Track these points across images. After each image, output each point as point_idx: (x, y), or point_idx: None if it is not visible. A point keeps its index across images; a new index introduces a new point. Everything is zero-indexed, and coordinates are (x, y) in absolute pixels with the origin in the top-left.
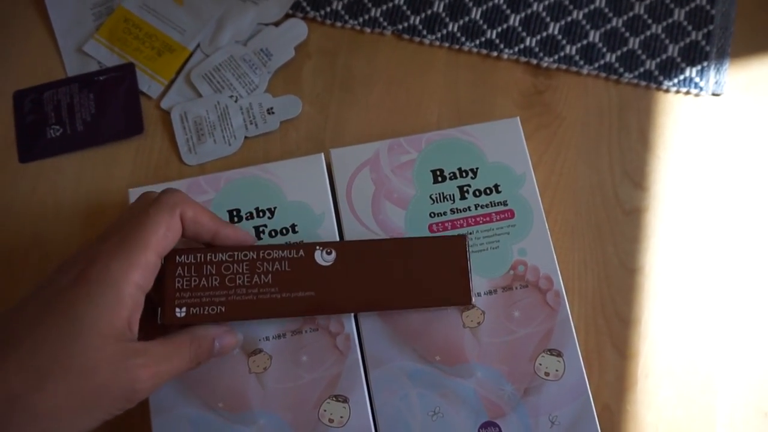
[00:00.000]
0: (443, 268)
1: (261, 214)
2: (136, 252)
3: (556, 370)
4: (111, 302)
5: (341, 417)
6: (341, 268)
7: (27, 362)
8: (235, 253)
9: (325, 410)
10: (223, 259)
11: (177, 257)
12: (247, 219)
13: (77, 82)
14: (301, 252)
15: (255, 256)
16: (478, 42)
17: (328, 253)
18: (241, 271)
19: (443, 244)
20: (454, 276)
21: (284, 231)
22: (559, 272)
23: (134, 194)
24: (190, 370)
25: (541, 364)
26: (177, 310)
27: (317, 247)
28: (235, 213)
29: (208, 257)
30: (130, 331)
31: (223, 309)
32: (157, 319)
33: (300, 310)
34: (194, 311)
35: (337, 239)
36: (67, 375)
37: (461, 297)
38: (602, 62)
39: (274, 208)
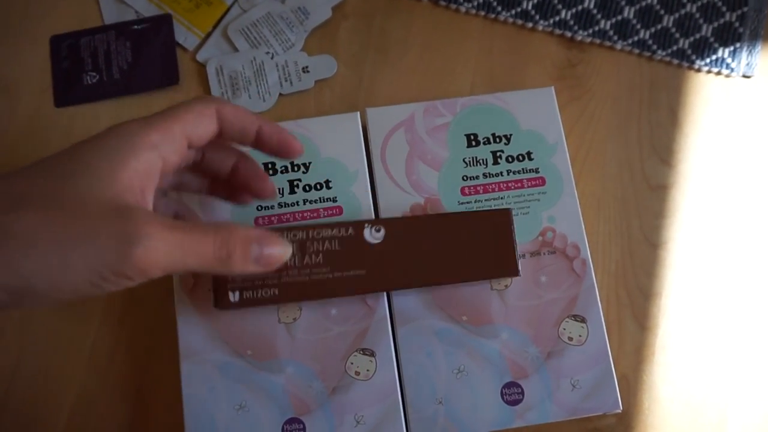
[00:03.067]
0: (489, 241)
1: (295, 168)
2: (159, 119)
3: (580, 336)
4: (121, 150)
5: (367, 370)
6: (390, 245)
7: (4, 189)
8: (286, 233)
9: (351, 363)
10: None
11: None
12: (281, 173)
13: (114, 29)
14: (351, 230)
15: (305, 236)
16: (513, 12)
17: (377, 231)
18: (292, 251)
19: (489, 217)
20: (501, 248)
21: (318, 186)
22: (586, 241)
23: None
24: (212, 272)
25: (565, 329)
26: (230, 294)
27: (366, 225)
28: (270, 166)
29: None
30: (143, 198)
31: (277, 291)
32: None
33: (352, 289)
34: (247, 295)
35: (370, 197)
36: (49, 206)
37: (509, 269)
38: (636, 38)
39: (309, 163)
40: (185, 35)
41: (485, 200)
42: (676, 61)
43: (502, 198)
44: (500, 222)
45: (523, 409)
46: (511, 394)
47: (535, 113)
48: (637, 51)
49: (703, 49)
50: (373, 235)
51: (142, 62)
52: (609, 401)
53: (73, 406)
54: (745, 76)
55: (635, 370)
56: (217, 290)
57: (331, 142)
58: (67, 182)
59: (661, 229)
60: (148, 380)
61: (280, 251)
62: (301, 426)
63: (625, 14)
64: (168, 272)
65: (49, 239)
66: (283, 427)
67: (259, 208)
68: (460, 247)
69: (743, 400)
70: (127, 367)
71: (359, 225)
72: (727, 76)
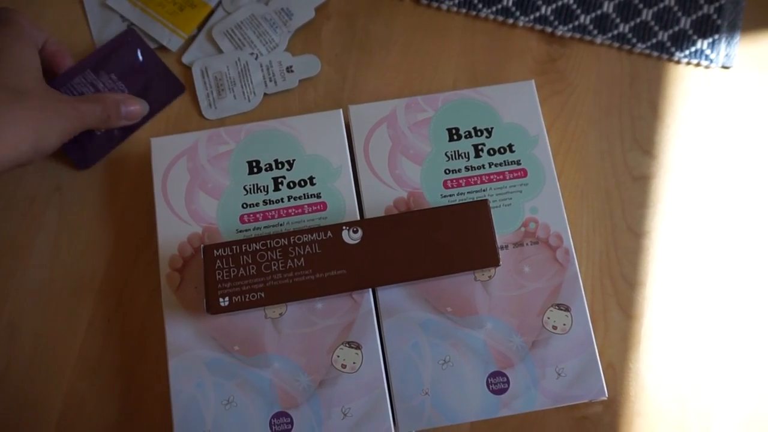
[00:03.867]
0: (468, 233)
1: (280, 165)
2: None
3: (564, 324)
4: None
5: (354, 363)
6: (369, 244)
7: None
8: (268, 241)
9: (338, 356)
10: (257, 248)
11: (215, 251)
12: (266, 170)
13: (88, 67)
14: (329, 233)
15: (287, 242)
16: (494, 9)
17: (355, 232)
18: (275, 257)
19: (466, 210)
20: (481, 239)
21: (302, 183)
22: (569, 230)
23: (156, 143)
24: (97, 128)
25: (549, 318)
26: (221, 300)
27: (343, 227)
28: (254, 164)
29: (243, 248)
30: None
31: (263, 294)
32: None
33: (334, 288)
34: (236, 299)
35: (354, 193)
36: None
37: (490, 259)
38: (615, 32)
39: (293, 160)
40: (169, 37)
41: (468, 193)
42: (655, 54)
43: (484, 190)
44: (478, 213)
45: (509, 398)
46: (497, 383)
47: (516, 106)
48: (617, 44)
49: (682, 41)
50: (351, 237)
51: (140, 89)
52: (594, 389)
53: (63, 404)
54: (724, 67)
55: (621, 359)
56: (209, 297)
57: (314, 140)
58: None
59: (644, 218)
60: (138, 378)
61: (139, 107)
62: (289, 420)
63: (605, 9)
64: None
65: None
66: (271, 421)
67: (245, 205)
68: (440, 241)
69: (729, 387)
70: (116, 366)
71: (337, 228)
72: (707, 67)
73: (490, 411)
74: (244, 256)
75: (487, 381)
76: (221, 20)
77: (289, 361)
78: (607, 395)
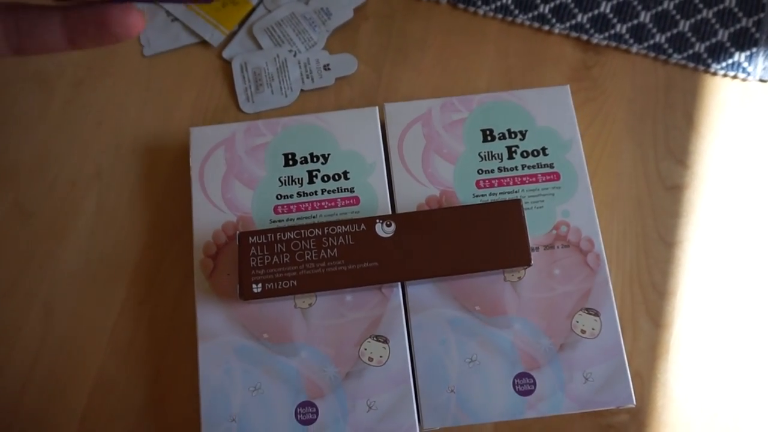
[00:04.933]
0: (501, 231)
1: (315, 159)
2: None
3: (593, 329)
4: None
5: (380, 356)
6: (401, 238)
7: None
8: (302, 231)
9: (365, 349)
10: (292, 237)
11: (250, 238)
12: (301, 163)
13: None
14: (363, 226)
15: (320, 233)
16: (530, 15)
17: (388, 225)
18: (308, 247)
19: (499, 209)
20: (513, 239)
21: (336, 177)
22: (600, 235)
23: (195, 133)
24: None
25: (578, 322)
26: (254, 286)
27: (377, 221)
28: (290, 157)
29: (278, 236)
30: None
31: (295, 283)
32: None
33: (366, 280)
34: (269, 286)
35: (387, 189)
36: None
37: (522, 259)
38: (651, 42)
39: (328, 154)
40: (211, 32)
41: (500, 193)
42: (691, 65)
43: (516, 192)
44: (511, 212)
45: (535, 400)
46: (523, 384)
47: (551, 110)
48: (652, 54)
49: (719, 53)
50: (384, 230)
51: None
52: (622, 395)
53: (93, 386)
54: (761, 81)
55: (649, 368)
56: (243, 283)
57: (350, 135)
58: None
59: (676, 228)
60: (166, 362)
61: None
62: (314, 409)
63: (641, 18)
64: None
65: None
66: (296, 410)
67: (279, 197)
68: (472, 239)
69: (759, 403)
70: (146, 349)
71: (371, 221)
72: (744, 80)
73: (516, 412)
74: (279, 245)
75: (514, 382)
76: (262, 17)
77: (317, 352)
78: (635, 403)
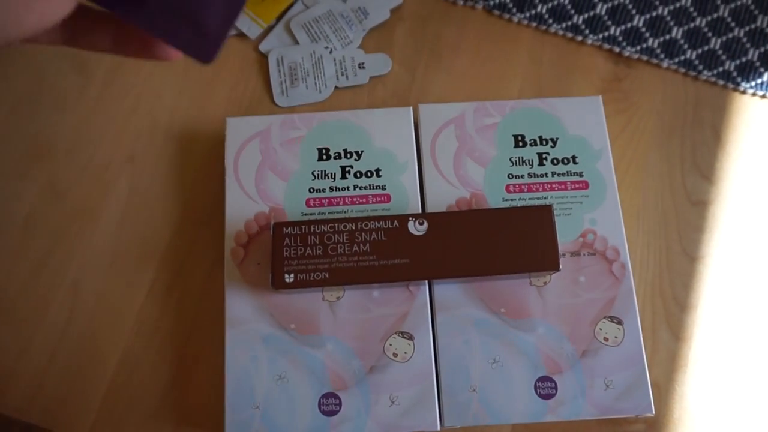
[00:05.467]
0: (531, 236)
1: (348, 155)
2: None
3: (615, 337)
4: None
5: (405, 353)
6: (433, 237)
7: None
8: (336, 225)
9: (390, 344)
10: (325, 230)
11: (284, 229)
12: (335, 158)
13: None
14: (396, 223)
15: (354, 227)
16: (564, 25)
17: (421, 224)
18: (342, 240)
19: (530, 213)
20: (543, 243)
21: (369, 174)
22: (626, 245)
23: (231, 123)
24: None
25: (601, 329)
26: (286, 276)
27: (410, 218)
28: (324, 151)
29: (312, 228)
30: None
31: (327, 275)
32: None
33: (396, 276)
34: (301, 277)
35: (418, 188)
36: None
37: (550, 263)
38: (682, 58)
39: (362, 151)
40: (249, 24)
41: (529, 199)
42: (721, 82)
43: (545, 198)
44: (542, 218)
45: (556, 404)
46: (545, 388)
47: (582, 120)
48: (683, 70)
49: (749, 72)
50: (416, 228)
51: None
52: (642, 404)
53: (117, 366)
54: None
55: (667, 380)
56: (275, 272)
57: (383, 134)
58: None
59: (699, 243)
60: (192, 347)
61: None
62: (338, 401)
63: (673, 34)
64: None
65: None
66: (320, 401)
67: (311, 190)
68: (502, 242)
69: None
70: (172, 333)
71: (404, 218)
72: None
73: (536, 415)
74: (312, 237)
75: (536, 385)
76: (300, 13)
77: (343, 345)
78: (654, 412)
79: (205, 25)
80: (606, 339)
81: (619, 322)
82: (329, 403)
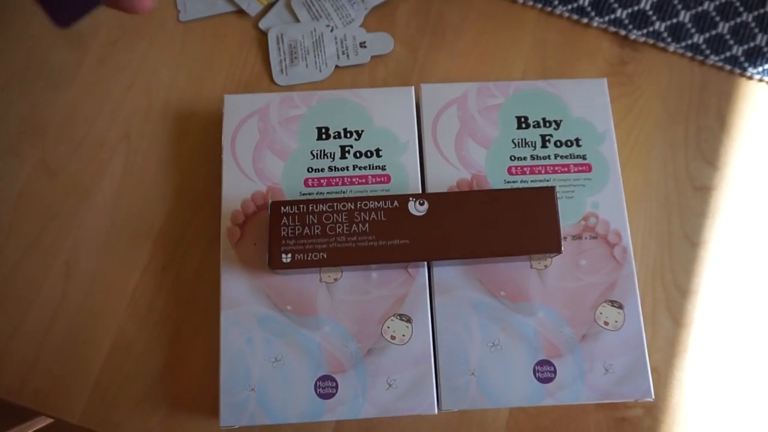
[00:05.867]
0: (532, 217)
1: (348, 134)
2: None
3: (616, 321)
4: None
5: (403, 335)
6: (433, 218)
7: None
8: (335, 204)
9: (388, 327)
10: (324, 209)
11: (282, 208)
12: (334, 137)
13: None
14: (396, 203)
15: (353, 207)
16: (570, 7)
17: (421, 204)
18: (340, 220)
19: (532, 195)
20: (545, 225)
21: (369, 153)
22: (628, 229)
23: (229, 100)
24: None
25: (601, 313)
26: (283, 256)
27: (410, 198)
28: (323, 130)
29: (310, 207)
30: None
31: (325, 255)
32: None
33: (396, 257)
34: (299, 257)
35: (418, 169)
36: None
37: (552, 245)
38: (689, 42)
39: (362, 131)
40: (248, 2)
41: (531, 181)
42: (728, 67)
43: (547, 180)
44: (544, 199)
45: (555, 387)
46: (544, 372)
47: (587, 102)
48: (689, 54)
49: (756, 57)
50: (417, 208)
51: None
52: (641, 389)
53: (110, 348)
54: None
55: (666, 365)
56: (272, 252)
57: (384, 113)
58: None
59: (701, 228)
60: (186, 328)
61: None
62: (334, 384)
63: (681, 18)
64: None
65: None
66: (316, 383)
67: (310, 170)
68: (504, 223)
69: None
70: (166, 314)
71: (404, 198)
72: None
73: (535, 398)
74: (310, 216)
75: (534, 368)
76: None
77: (340, 326)
78: (653, 397)
79: None
80: (606, 323)
81: (620, 306)
82: (325, 386)
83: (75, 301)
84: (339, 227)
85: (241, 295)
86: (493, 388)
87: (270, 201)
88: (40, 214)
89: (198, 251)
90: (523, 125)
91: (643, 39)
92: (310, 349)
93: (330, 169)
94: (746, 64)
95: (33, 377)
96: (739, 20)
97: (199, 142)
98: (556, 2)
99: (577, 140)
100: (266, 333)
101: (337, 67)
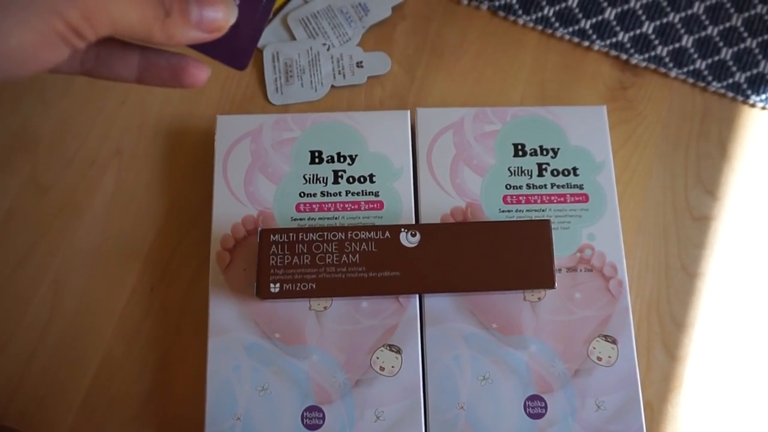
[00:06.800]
0: (526, 251)
1: (342, 159)
2: None
3: (609, 357)
4: None
5: (392, 366)
6: (426, 250)
7: None
8: (325, 233)
9: (377, 357)
10: (314, 238)
11: (271, 236)
12: (328, 162)
13: None
14: (387, 233)
15: (343, 237)
16: (571, 30)
17: (413, 235)
18: (330, 250)
19: (527, 228)
20: (538, 260)
21: (362, 179)
22: (624, 262)
23: (222, 121)
24: (152, 37)
25: (594, 348)
26: (271, 285)
27: (402, 229)
28: (317, 154)
29: (300, 236)
30: None
31: (314, 286)
32: None
33: (386, 289)
34: (287, 287)
35: (412, 196)
36: None
37: (545, 280)
38: (691, 68)
39: (356, 155)
40: None
41: (527, 211)
42: (730, 94)
43: (543, 210)
44: (539, 233)
45: (545, 424)
46: (534, 407)
47: (585, 130)
48: (691, 80)
49: (759, 84)
50: (408, 240)
51: None
52: (633, 427)
53: (97, 368)
54: None
55: (661, 400)
56: (260, 281)
57: (379, 138)
58: None
59: (699, 259)
60: (174, 351)
61: (222, 15)
62: (321, 415)
63: (683, 42)
64: (114, 27)
65: None
66: (302, 414)
67: (302, 194)
68: (497, 256)
69: None
70: (154, 337)
71: (396, 229)
72: None
73: None
74: (300, 245)
75: (525, 404)
76: (298, 8)
77: (328, 356)
78: None
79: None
80: (599, 358)
81: (614, 342)
82: (312, 417)
83: (63, 321)
84: (329, 257)
85: (230, 322)
86: (483, 422)
87: (260, 228)
88: (29, 231)
89: (188, 273)
90: (520, 153)
91: (644, 64)
92: (297, 378)
93: (323, 194)
94: (749, 92)
95: (18, 397)
96: (742, 46)
97: (191, 161)
98: (557, 24)
99: (575, 169)
100: (254, 361)
101: (333, 86)
